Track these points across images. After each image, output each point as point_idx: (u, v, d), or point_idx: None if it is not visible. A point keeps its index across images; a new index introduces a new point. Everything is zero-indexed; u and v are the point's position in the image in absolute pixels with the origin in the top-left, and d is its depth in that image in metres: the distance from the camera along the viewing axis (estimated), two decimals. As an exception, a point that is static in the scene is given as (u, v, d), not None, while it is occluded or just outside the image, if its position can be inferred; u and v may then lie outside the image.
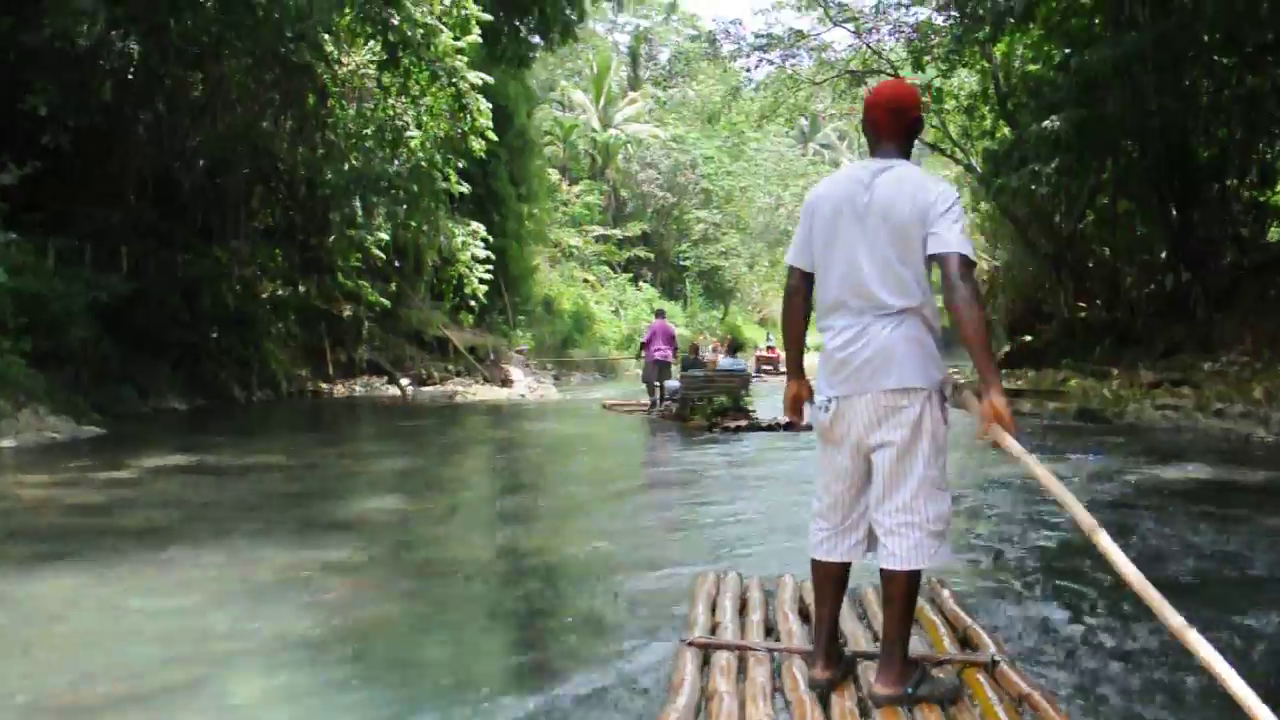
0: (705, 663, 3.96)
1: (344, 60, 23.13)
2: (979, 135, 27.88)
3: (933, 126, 28.34)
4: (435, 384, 28.88)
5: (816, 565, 3.76)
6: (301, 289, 27.25)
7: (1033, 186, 19.02)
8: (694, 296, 56.81)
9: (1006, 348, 30.42)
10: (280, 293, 26.33)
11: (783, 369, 5.30)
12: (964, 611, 4.57)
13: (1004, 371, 25.41)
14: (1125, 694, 4.05)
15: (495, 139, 25.15)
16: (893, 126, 3.65)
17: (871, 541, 3.66)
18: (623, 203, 59.50)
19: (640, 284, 53.81)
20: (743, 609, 4.73)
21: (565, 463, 12.27)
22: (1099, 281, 25.86)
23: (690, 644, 4.09)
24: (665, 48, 68.56)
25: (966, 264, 3.38)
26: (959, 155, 28.11)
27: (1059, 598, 5.53)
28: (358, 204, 21.37)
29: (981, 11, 21.24)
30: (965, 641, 4.21)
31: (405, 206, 23.35)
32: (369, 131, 22.77)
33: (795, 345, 3.89)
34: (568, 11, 38.81)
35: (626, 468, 12.23)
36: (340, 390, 26.25)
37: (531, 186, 38.56)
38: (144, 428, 16.60)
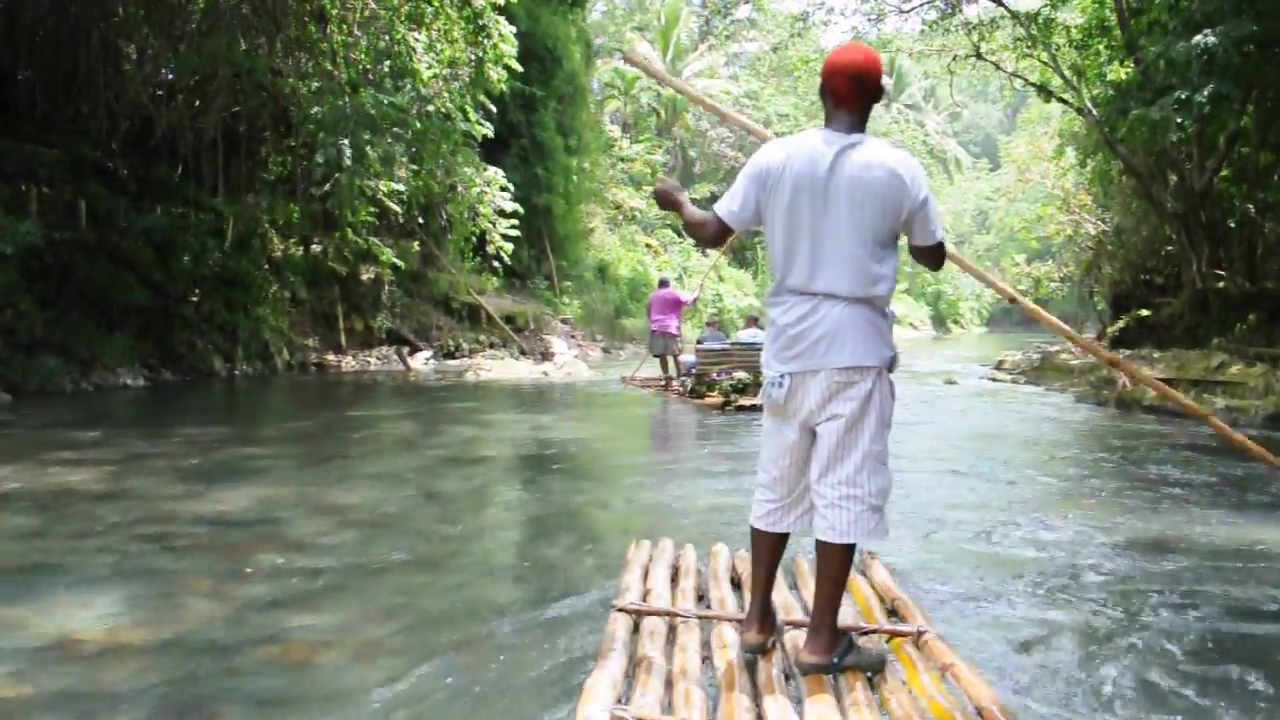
0: (636, 629, 4.00)
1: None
2: (1094, 74, 23.78)
3: (1041, 62, 24.33)
4: (465, 356, 25.60)
5: (757, 534, 3.80)
6: (318, 247, 24.07)
7: (1179, 120, 15.04)
8: (765, 264, 52.77)
9: (1120, 323, 26.42)
10: (282, 252, 23.14)
11: None
12: (894, 583, 4.61)
13: (1123, 352, 21.60)
14: (1047, 666, 4.09)
15: (519, 69, 21.51)
16: (855, 95, 3.53)
17: (812, 515, 3.66)
18: (690, 163, 55.87)
19: (707, 251, 49.97)
20: (676, 576, 4.77)
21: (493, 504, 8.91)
22: (1239, 245, 21.77)
23: (621, 610, 4.12)
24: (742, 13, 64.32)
25: (941, 249, 3.69)
26: (1070, 97, 24.02)
27: (990, 573, 5.50)
28: (346, 144, 17.85)
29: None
30: (894, 613, 4.27)
31: (413, 149, 19.81)
32: (366, 58, 19.30)
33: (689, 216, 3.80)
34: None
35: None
36: (350, 364, 22.99)
37: (583, 138, 34.95)
38: (56, 408, 13.41)
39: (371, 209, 22.45)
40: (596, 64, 50.93)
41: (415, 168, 20.68)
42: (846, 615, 3.97)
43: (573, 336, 30.67)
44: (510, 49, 20.37)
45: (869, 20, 25.70)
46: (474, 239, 24.23)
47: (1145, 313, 25.78)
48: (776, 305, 3.62)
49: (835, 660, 3.54)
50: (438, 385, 18.55)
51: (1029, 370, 20.79)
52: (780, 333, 3.58)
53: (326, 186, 20.02)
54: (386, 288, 25.26)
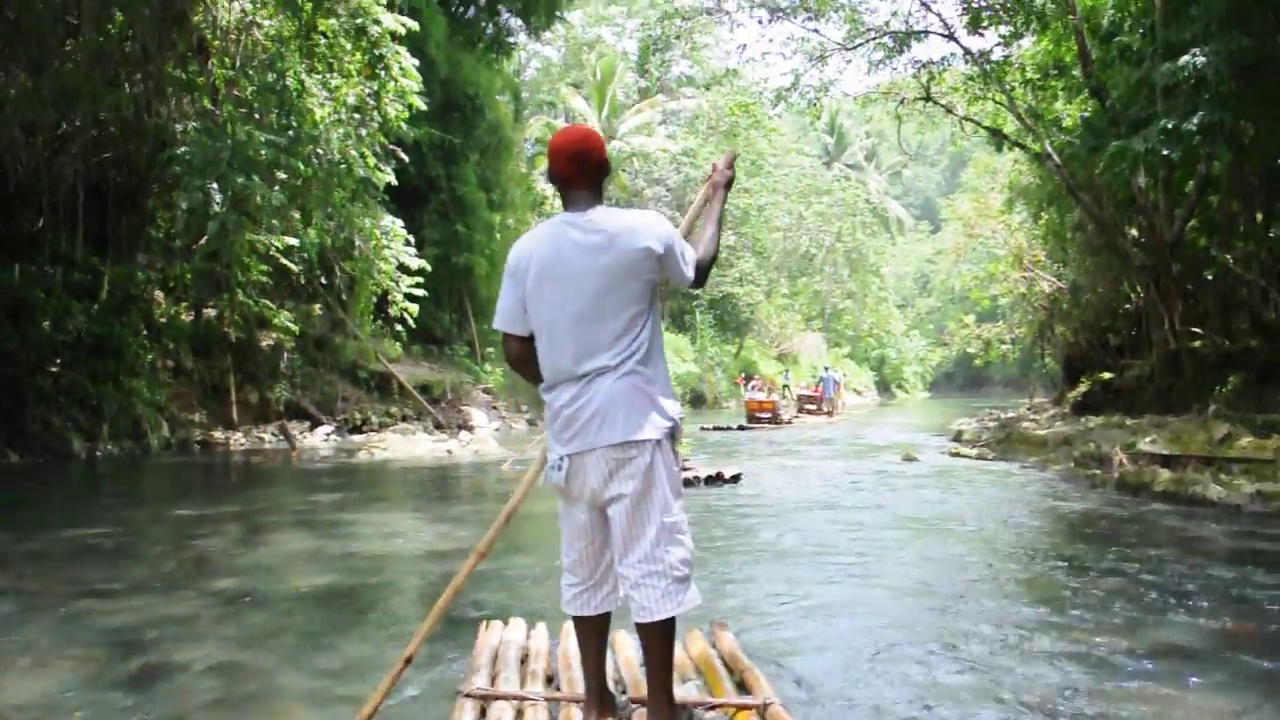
0: (483, 714, 3.96)
1: (229, 3, 17.55)
2: (1051, 118, 22.09)
3: (997, 103, 22.61)
4: (373, 430, 23.26)
5: (576, 619, 3.79)
6: (212, 311, 21.70)
7: (1165, 152, 13.12)
8: (704, 329, 50.81)
9: (1082, 387, 24.59)
10: (167, 317, 20.79)
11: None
12: (743, 654, 4.51)
13: (1092, 420, 19.69)
14: None
15: (422, 106, 19.41)
16: (581, 175, 3.58)
17: (619, 591, 3.67)
18: (627, 223, 53.85)
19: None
20: (525, 658, 4.67)
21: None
22: (1214, 300, 20.03)
23: (467, 695, 4.06)
24: (677, 57, 62.91)
25: (704, 277, 3.76)
26: (1027, 141, 22.30)
27: (841, 641, 5.55)
28: (214, 188, 15.61)
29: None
30: (742, 685, 4.16)
31: (299, 198, 17.60)
32: (252, 97, 17.13)
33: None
34: (555, -12, 33.80)
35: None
36: (240, 441, 20.53)
37: (508, 194, 32.89)
38: None
39: (264, 267, 20.11)
40: (529, 120, 49.22)
41: (298, 216, 18.34)
42: (691, 689, 4.05)
43: (495, 407, 28.42)
44: (413, 84, 18.26)
45: (810, 61, 23.84)
46: (374, 299, 21.97)
47: (1107, 375, 24.00)
48: (549, 391, 3.61)
49: None
50: (320, 469, 16.13)
51: (993, 443, 18.70)
52: (556, 415, 3.57)
53: (203, 240, 17.54)
54: (286, 356, 22.88)
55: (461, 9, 33.10)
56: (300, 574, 7.19)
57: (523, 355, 3.67)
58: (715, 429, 28.39)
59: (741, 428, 28.68)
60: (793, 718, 3.81)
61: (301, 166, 16.83)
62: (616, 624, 3.91)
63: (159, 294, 21.37)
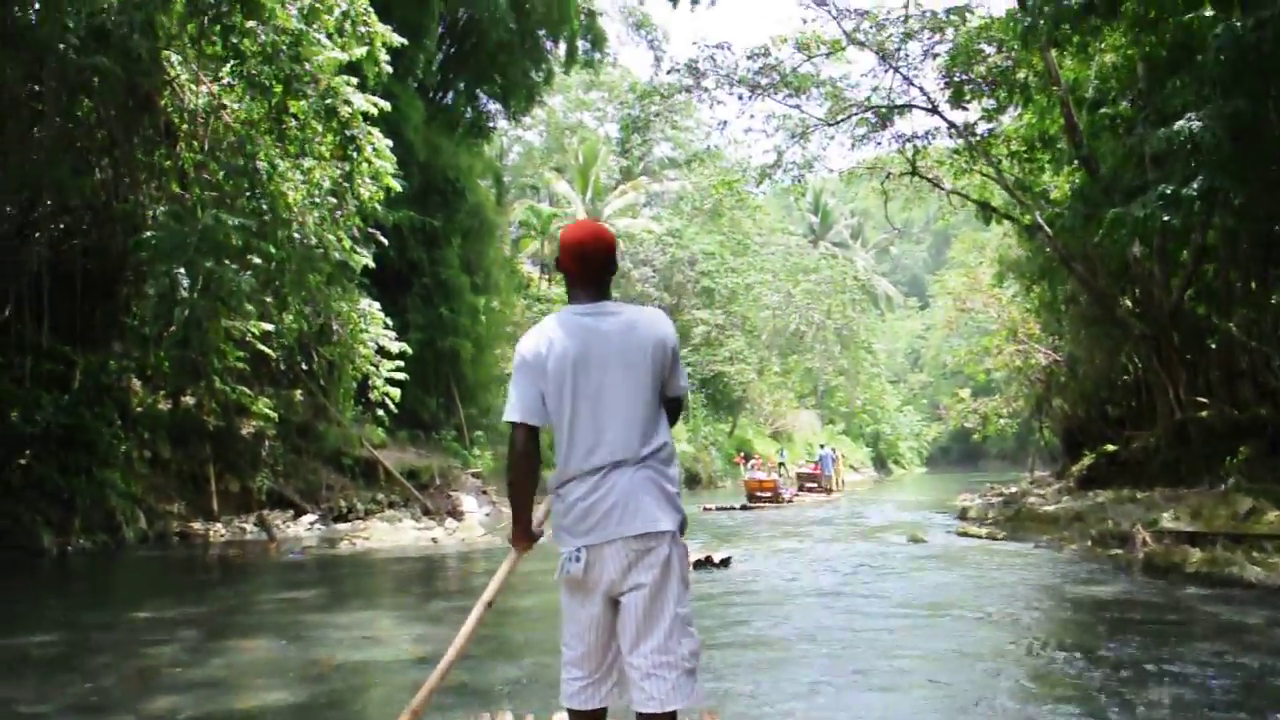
0: None
1: (196, 86, 17.19)
2: (1039, 190, 21.80)
3: (983, 175, 22.33)
4: (359, 518, 22.58)
5: (573, 714, 3.74)
6: (190, 400, 21.09)
7: (1166, 219, 12.68)
8: (696, 408, 50.27)
9: (1086, 460, 24.02)
10: (143, 406, 20.19)
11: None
12: None
13: (1100, 494, 19.11)
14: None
15: (397, 187, 18.98)
16: (595, 271, 3.66)
17: (624, 684, 3.64)
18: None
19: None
20: None
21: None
22: (1219, 369, 19.57)
23: None
24: (659, 137, 63.06)
25: (683, 399, 3.88)
26: (1017, 213, 21.99)
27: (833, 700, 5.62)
28: (182, 273, 15.11)
29: (1040, 9, 15.17)
30: None
31: (275, 282, 17.11)
32: (223, 181, 16.72)
33: (528, 508, 3.77)
34: (532, 74, 33.67)
35: None
36: (220, 532, 19.84)
37: (492, 276, 32.45)
38: None
39: (240, 353, 19.56)
40: (512, 204, 49.10)
41: (271, 300, 17.82)
42: None
43: (484, 492, 27.73)
44: (387, 165, 17.85)
45: (792, 138, 23.56)
46: (355, 384, 21.40)
47: (1111, 448, 23.45)
48: (563, 485, 3.60)
49: None
50: (298, 561, 15.46)
51: (1001, 520, 18.07)
52: (570, 508, 3.56)
53: (173, 327, 16.94)
54: (267, 443, 22.25)
55: (439, 94, 32.97)
56: (253, 690, 6.50)
57: (530, 449, 3.60)
58: (718, 509, 27.94)
59: (744, 507, 28.25)
60: None
61: (273, 250, 16.34)
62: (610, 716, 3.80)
63: (136, 383, 20.77)
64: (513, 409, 3.60)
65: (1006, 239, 29.24)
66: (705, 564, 13.08)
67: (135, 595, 12.07)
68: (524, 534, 3.80)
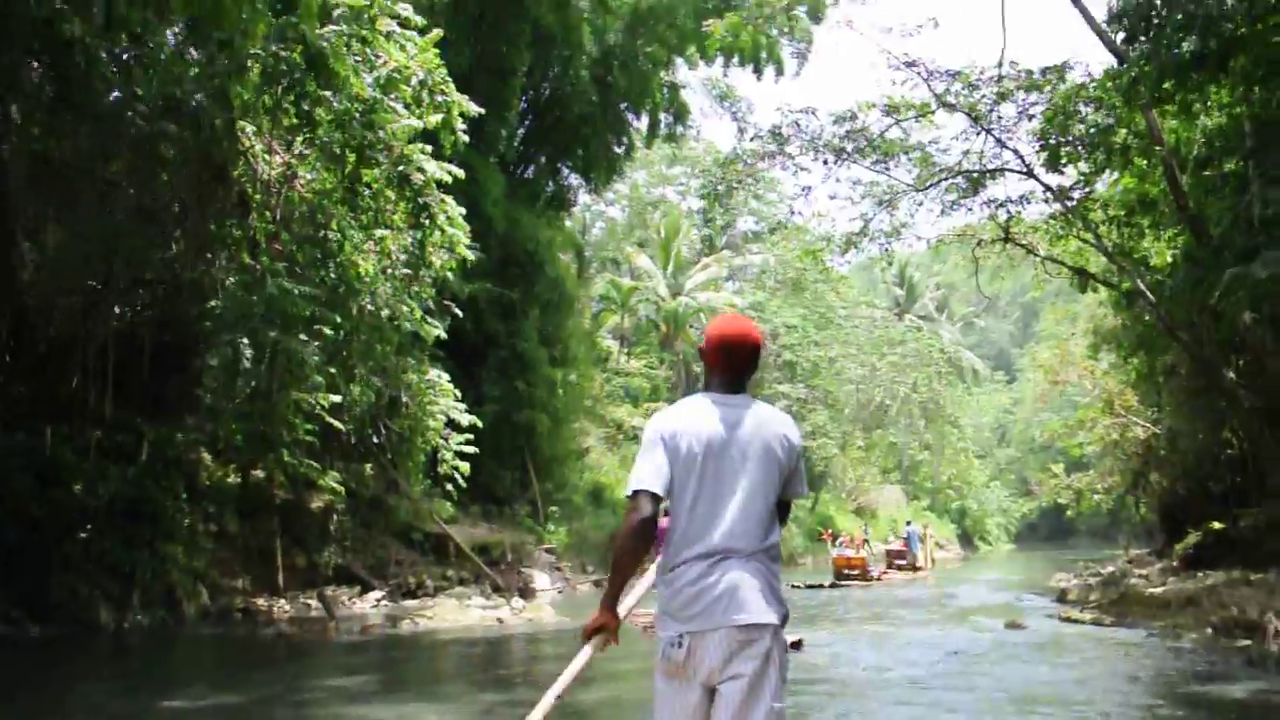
0: None
1: (270, 156, 16.89)
2: (1139, 255, 20.79)
3: (1081, 240, 21.34)
4: (428, 594, 21.93)
5: None
6: (260, 473, 20.63)
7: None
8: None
9: (1192, 539, 22.68)
10: (210, 479, 19.81)
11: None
12: None
13: (1209, 575, 17.87)
14: None
15: (470, 256, 18.45)
16: (743, 366, 3.77)
17: None
18: (694, 378, 52.97)
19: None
20: None
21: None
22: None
23: None
24: (741, 210, 62.58)
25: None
26: (1115, 279, 21.00)
27: None
28: (245, 343, 14.65)
29: (1142, 67, 14.28)
30: None
31: (343, 352, 16.63)
32: (298, 252, 16.33)
33: (626, 578, 3.67)
34: (614, 148, 33.31)
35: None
36: (285, 609, 19.27)
37: (570, 350, 31.90)
38: None
39: (309, 426, 19.07)
40: (594, 278, 48.79)
41: (337, 371, 17.29)
42: None
43: (558, 568, 27.00)
44: (460, 233, 17.35)
45: (879, 205, 22.74)
46: (424, 457, 20.83)
47: (1218, 526, 22.12)
48: (674, 567, 3.60)
49: None
50: (356, 642, 14.75)
51: (1105, 604, 16.84)
52: (677, 593, 3.57)
53: (236, 400, 16.43)
54: (335, 518, 21.72)
55: (520, 168, 32.76)
56: None
57: (653, 517, 3.55)
58: (806, 586, 27.23)
59: (832, 585, 27.57)
60: None
61: (338, 319, 15.88)
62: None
63: (206, 456, 20.43)
64: (640, 478, 3.58)
65: (1101, 308, 28.26)
66: (796, 646, 12.29)
67: (174, 680, 11.40)
68: (611, 608, 3.68)
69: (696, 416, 3.64)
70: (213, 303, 15.45)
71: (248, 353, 14.79)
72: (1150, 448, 27.91)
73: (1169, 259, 20.54)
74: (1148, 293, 18.87)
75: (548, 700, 3.71)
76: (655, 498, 3.55)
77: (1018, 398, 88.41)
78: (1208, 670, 10.44)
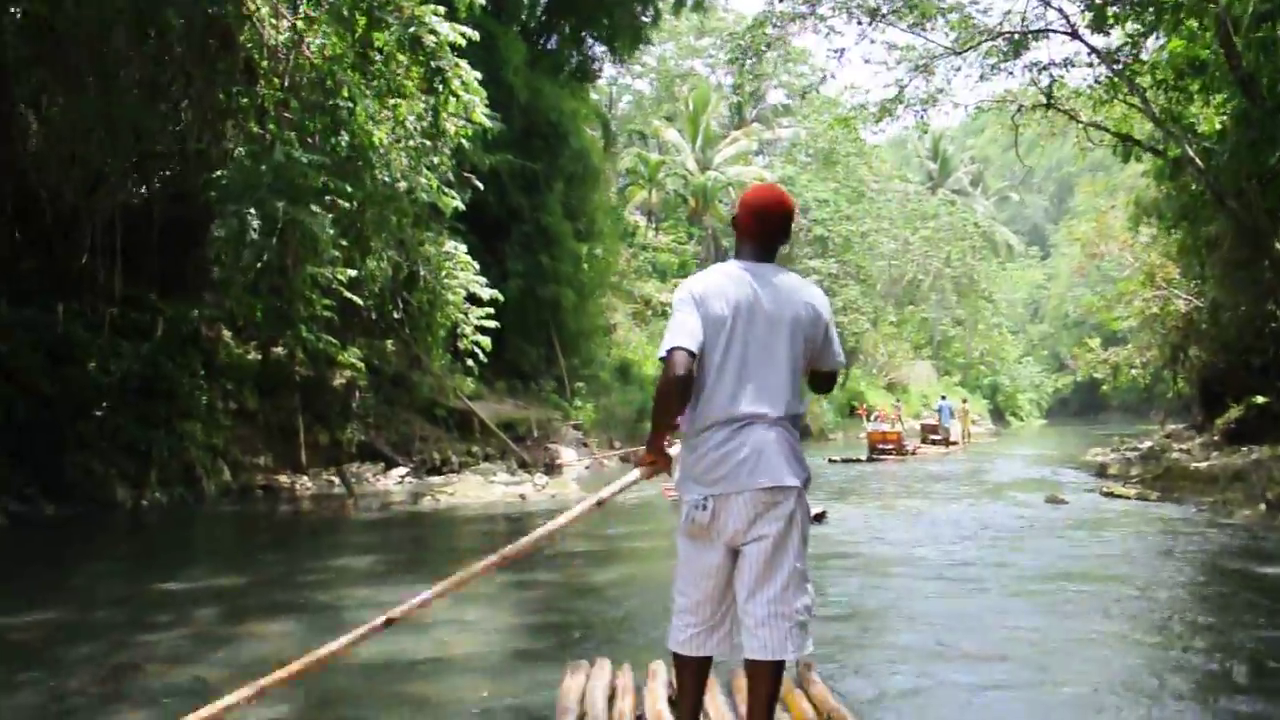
0: None
1: (276, 21, 16.16)
2: (1187, 120, 19.88)
3: (1127, 104, 20.41)
4: (453, 470, 21.72)
5: (681, 660, 3.76)
6: (282, 350, 20.24)
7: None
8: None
9: (1234, 413, 22.10)
10: (230, 356, 19.46)
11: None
12: (831, 695, 4.53)
13: (1255, 450, 17.35)
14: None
15: (487, 123, 17.74)
16: (772, 233, 3.77)
17: (735, 634, 3.69)
18: (724, 252, 52.26)
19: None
20: (613, 697, 4.63)
21: None
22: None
23: None
24: (772, 84, 61.15)
25: (837, 374, 3.97)
26: (1160, 145, 20.13)
27: (925, 680, 5.32)
28: (251, 214, 14.06)
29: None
30: None
31: (355, 224, 16.06)
32: (309, 124, 15.69)
33: (666, 430, 3.73)
34: (640, 16, 32.19)
35: None
36: (307, 486, 19.07)
37: (596, 223, 31.17)
38: None
39: (328, 301, 18.61)
40: (621, 152, 47.87)
41: (350, 244, 16.75)
42: None
43: (585, 444, 26.70)
44: (476, 99, 16.62)
45: (915, 70, 21.78)
46: (444, 332, 20.37)
47: (1261, 400, 21.50)
48: (701, 432, 3.64)
49: None
50: (374, 519, 14.40)
51: (1147, 479, 16.30)
52: (701, 457, 3.62)
53: (247, 274, 15.85)
54: (358, 394, 21.39)
55: (543, 38, 31.76)
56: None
57: (691, 372, 3.56)
58: (843, 461, 27.05)
59: (869, 459, 27.44)
60: None
61: (349, 189, 15.28)
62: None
63: (225, 333, 20.06)
64: (675, 337, 3.57)
65: (1144, 179, 27.36)
66: (819, 518, 12.29)
67: (181, 559, 10.99)
68: (661, 449, 3.77)
69: (727, 281, 3.65)
70: (219, 173, 14.84)
71: (255, 224, 14.22)
72: (1191, 321, 27.15)
73: (1217, 125, 19.69)
74: (1196, 159, 18.04)
75: (588, 503, 4.04)
76: (691, 355, 3.54)
77: (1051, 273, 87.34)
78: (1259, 547, 9.92)
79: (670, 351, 3.56)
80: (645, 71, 60.13)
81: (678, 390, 3.54)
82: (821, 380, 3.90)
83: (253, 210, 14.21)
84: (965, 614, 7.06)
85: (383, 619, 3.91)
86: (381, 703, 5.01)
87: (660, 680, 4.75)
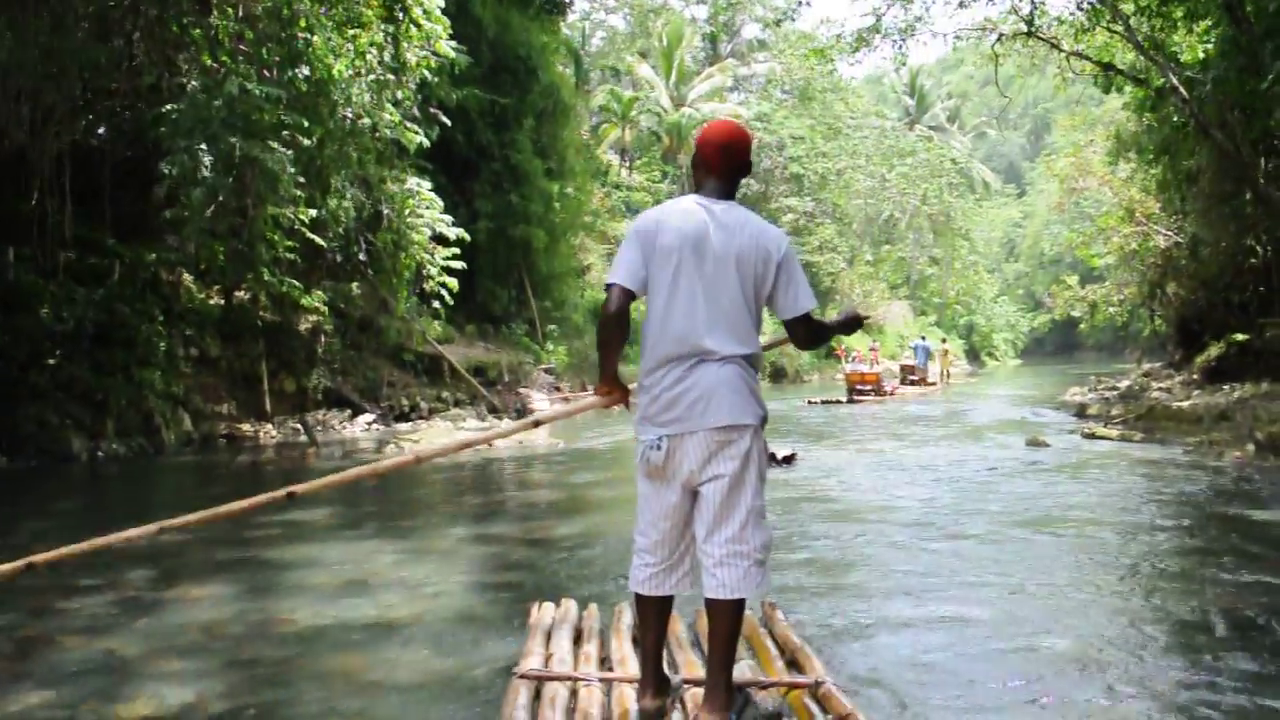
0: (538, 695, 3.94)
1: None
2: (1171, 48, 19.42)
3: (1111, 31, 19.90)
4: (422, 417, 21.28)
5: (642, 600, 3.75)
6: (246, 294, 19.68)
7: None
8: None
9: (1214, 351, 21.81)
10: (190, 301, 18.88)
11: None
12: (794, 634, 4.52)
13: (1237, 388, 17.06)
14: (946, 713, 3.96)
15: (451, 55, 17.14)
16: (725, 167, 3.68)
17: (695, 573, 3.69)
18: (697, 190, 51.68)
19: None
20: (579, 639, 4.65)
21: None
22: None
23: (522, 676, 4.05)
24: (747, 18, 60.21)
25: (809, 319, 3.69)
26: (1146, 75, 19.66)
27: (892, 621, 5.31)
28: (203, 150, 13.44)
29: None
30: (794, 664, 4.21)
31: (315, 161, 15.43)
32: (266, 54, 15.01)
33: (614, 360, 3.71)
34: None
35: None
36: (272, 434, 18.59)
37: (567, 161, 30.52)
38: None
39: (290, 243, 18.02)
40: (594, 91, 47.08)
41: (305, 181, 16.12)
42: (745, 669, 4.01)
43: (557, 389, 26.26)
44: (439, 28, 16.00)
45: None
46: (409, 273, 19.81)
47: (1242, 337, 21.20)
48: (651, 372, 3.60)
49: (733, 717, 3.57)
50: (330, 468, 13.80)
51: (1130, 419, 15.91)
52: (655, 398, 3.58)
53: (204, 214, 15.17)
54: (324, 339, 20.84)
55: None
56: (157, 679, 4.60)
57: (623, 311, 3.59)
58: (823, 402, 26.90)
59: (850, 400, 27.29)
60: (845, 697, 3.74)
61: (305, 124, 14.64)
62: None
63: (187, 277, 19.45)
64: (615, 271, 3.61)
65: (1122, 113, 26.94)
66: (770, 460, 11.65)
67: (123, 514, 10.31)
68: (612, 379, 3.75)
69: (680, 216, 3.59)
70: (169, 107, 14.16)
71: (207, 161, 13.58)
72: (1170, 257, 26.83)
73: (1201, 55, 19.26)
74: (1180, 88, 17.58)
75: (525, 421, 4.17)
76: (628, 291, 3.54)
77: (1028, 211, 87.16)
78: (1250, 490, 9.50)
79: (608, 287, 3.59)
80: (619, 6, 59.10)
81: (613, 325, 3.59)
82: (795, 331, 3.73)
83: (204, 146, 13.55)
84: (938, 560, 6.72)
85: (285, 491, 3.89)
86: (315, 678, 4.61)
87: (626, 622, 4.69)
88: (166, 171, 13.95)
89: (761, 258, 3.53)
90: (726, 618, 3.54)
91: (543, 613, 4.96)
